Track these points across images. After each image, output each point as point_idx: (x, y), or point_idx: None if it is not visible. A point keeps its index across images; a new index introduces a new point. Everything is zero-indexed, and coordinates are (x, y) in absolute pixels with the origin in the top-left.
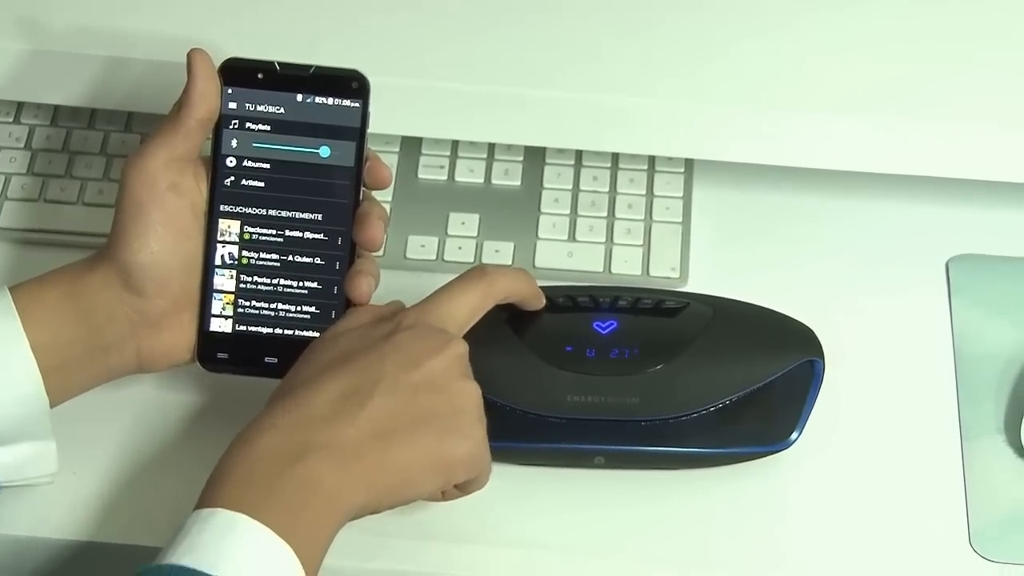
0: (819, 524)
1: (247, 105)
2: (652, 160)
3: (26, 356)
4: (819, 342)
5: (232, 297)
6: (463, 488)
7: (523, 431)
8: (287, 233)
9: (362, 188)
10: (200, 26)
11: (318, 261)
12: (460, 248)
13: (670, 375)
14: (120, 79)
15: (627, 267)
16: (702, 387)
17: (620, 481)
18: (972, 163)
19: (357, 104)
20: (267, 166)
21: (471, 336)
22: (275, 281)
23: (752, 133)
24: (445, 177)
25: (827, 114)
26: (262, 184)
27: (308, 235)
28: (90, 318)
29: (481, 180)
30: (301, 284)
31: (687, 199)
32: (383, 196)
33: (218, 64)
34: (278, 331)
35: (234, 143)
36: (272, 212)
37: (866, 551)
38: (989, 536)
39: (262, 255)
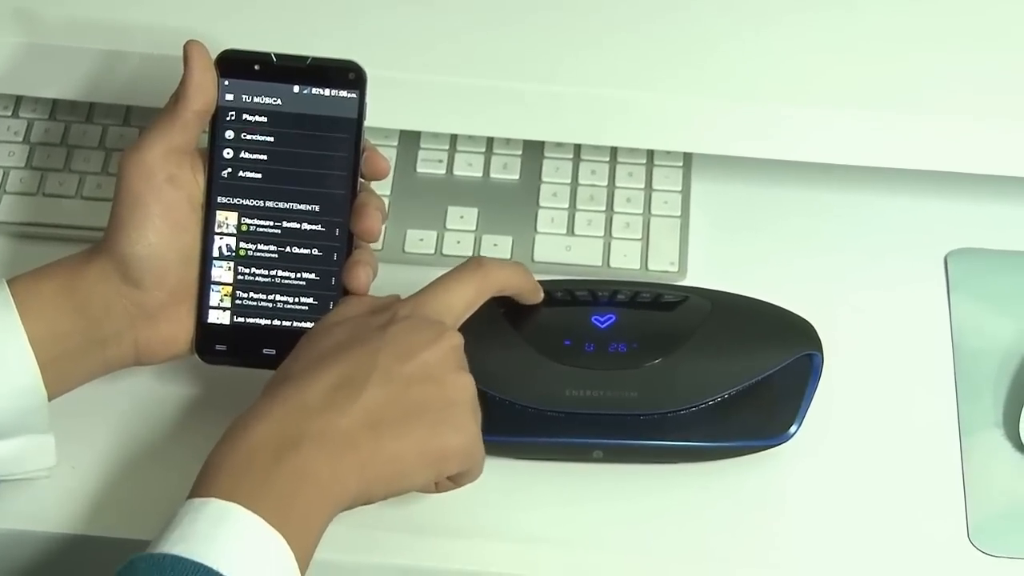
0: (818, 518)
1: (244, 97)
2: (651, 154)
3: (24, 349)
4: (818, 336)
5: (230, 289)
6: (456, 480)
7: (521, 425)
8: (284, 224)
9: (359, 179)
10: (197, 19)
11: (316, 252)
12: (459, 242)
13: (669, 369)
14: (118, 72)
15: (626, 261)
16: (701, 381)
17: (619, 475)
18: (971, 157)
19: (354, 95)
20: (264, 157)
21: (469, 330)
22: (273, 272)
23: (751, 127)
24: (444, 171)
25: (826, 108)
26: (259, 176)
27: (306, 226)
28: (88, 310)
29: (480, 174)
30: (299, 275)
31: (686, 193)
32: (382, 190)
33: (215, 56)
34: (276, 322)
35: (231, 135)
36: (269, 203)
37: (865, 545)
38: (988, 530)
39: (260, 246)
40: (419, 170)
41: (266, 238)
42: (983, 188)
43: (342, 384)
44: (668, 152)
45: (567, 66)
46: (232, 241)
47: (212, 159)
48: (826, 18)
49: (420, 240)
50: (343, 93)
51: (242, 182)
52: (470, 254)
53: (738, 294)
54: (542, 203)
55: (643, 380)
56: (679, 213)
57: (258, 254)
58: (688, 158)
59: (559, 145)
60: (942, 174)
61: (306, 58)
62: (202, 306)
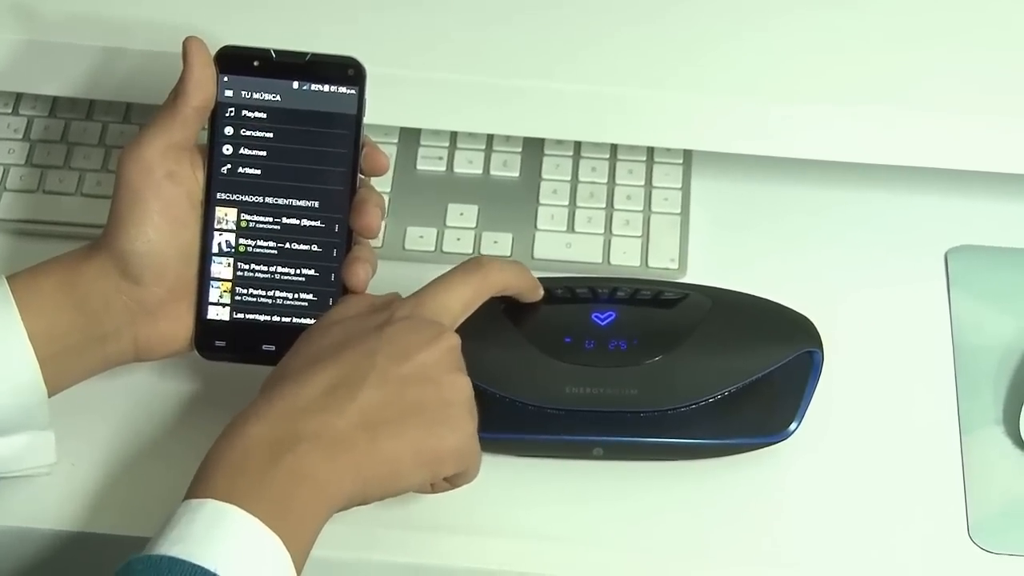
0: (818, 515)
1: (243, 93)
2: (651, 151)
3: (23, 345)
4: (818, 333)
5: (229, 285)
6: (452, 481)
7: (522, 422)
8: (284, 221)
9: (359, 175)
10: (196, 15)
11: (315, 248)
12: (459, 239)
13: (669, 366)
14: (117, 69)
15: (626, 258)
16: (701, 378)
17: (619, 472)
18: (971, 154)
19: (353, 91)
20: (263, 154)
21: (469, 328)
22: (272, 269)
23: (751, 124)
24: (444, 168)
25: (826, 106)
26: (259, 172)
27: (305, 222)
28: (87, 307)
29: (480, 171)
30: (298, 272)
31: (686, 190)
32: (382, 187)
33: (214, 52)
34: (275, 319)
35: (230, 131)
36: (269, 200)
37: (865, 542)
38: (988, 527)
39: (259, 243)
40: (419, 167)
41: (266, 234)
42: (983, 185)
43: (338, 385)
44: (668, 149)
45: (567, 63)
46: (232, 237)
47: (211, 155)
48: (826, 15)
49: (420, 237)
50: (342, 89)
51: (242, 178)
52: (470, 251)
53: (738, 291)
54: (542, 200)
55: (643, 377)
56: (679, 210)
57: (258, 250)
58: (688, 155)
59: (559, 142)
60: (942, 171)
61: (305, 54)
62: (201, 302)
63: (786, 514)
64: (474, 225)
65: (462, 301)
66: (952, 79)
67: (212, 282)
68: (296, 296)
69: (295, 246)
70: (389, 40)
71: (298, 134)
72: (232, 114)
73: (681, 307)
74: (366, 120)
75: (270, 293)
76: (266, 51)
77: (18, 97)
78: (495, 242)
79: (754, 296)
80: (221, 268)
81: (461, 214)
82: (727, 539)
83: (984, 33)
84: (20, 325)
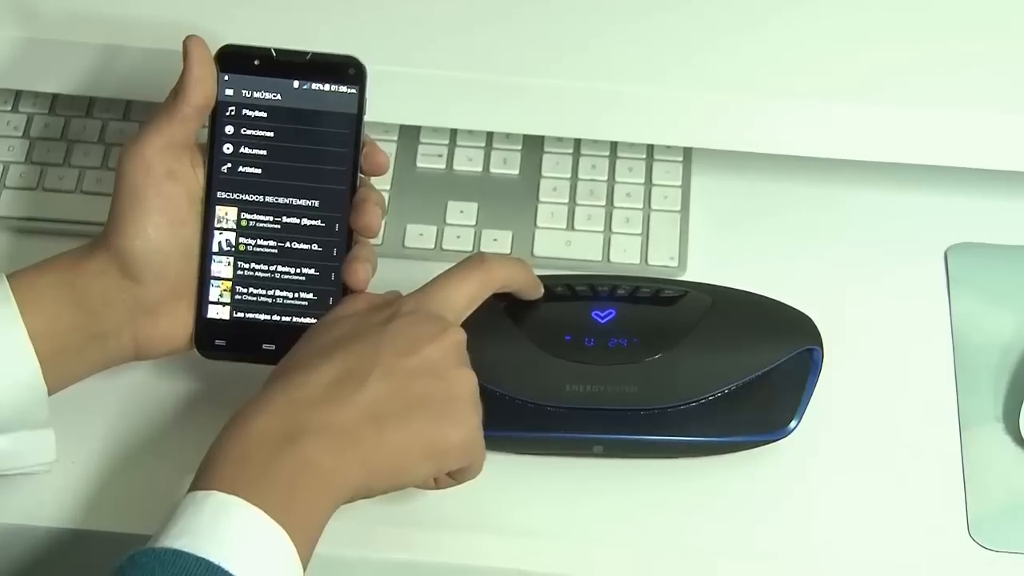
0: (818, 512)
1: (244, 92)
2: (650, 149)
3: (23, 343)
4: (818, 331)
5: (229, 284)
6: (456, 476)
7: (522, 420)
8: (284, 220)
9: (359, 174)
10: (197, 13)
11: (315, 248)
12: (459, 237)
13: (669, 364)
14: (118, 67)
15: (626, 256)
16: (701, 376)
17: (619, 470)
18: (971, 151)
19: (354, 90)
20: (264, 153)
21: (470, 325)
22: (272, 268)
23: (751, 121)
24: (443, 166)
25: (826, 102)
26: (259, 171)
27: (305, 222)
28: (87, 305)
29: (479, 169)
30: (298, 271)
31: (685, 188)
32: (382, 185)
33: (214, 51)
34: (275, 318)
35: (231, 130)
36: (269, 199)
37: (865, 540)
38: (988, 525)
39: (259, 242)
40: (419, 165)
41: (266, 233)
42: (983, 182)
43: (344, 377)
44: (668, 147)
45: (567, 61)
46: (232, 236)
47: (212, 154)
48: (826, 12)
49: (420, 235)
50: (343, 88)
51: (242, 177)
52: (470, 249)
53: (738, 289)
54: (542, 198)
55: (643, 375)
56: (679, 208)
57: (258, 249)
58: (688, 153)
59: (559, 140)
60: (942, 168)
61: (306, 53)
62: (201, 301)
63: (786, 511)
64: (474, 223)
65: (466, 296)
66: (953, 76)
67: (212, 281)
68: (296, 295)
69: (295, 245)
70: (389, 37)
71: (298, 133)
72: (232, 113)
73: (681, 305)
74: (366, 118)
75: (270, 292)
76: (266, 50)
77: (18, 94)
78: (495, 240)
79: (754, 294)
80: (221, 267)
81: (461, 212)
82: (728, 536)
83: (984, 30)
84: (20, 323)
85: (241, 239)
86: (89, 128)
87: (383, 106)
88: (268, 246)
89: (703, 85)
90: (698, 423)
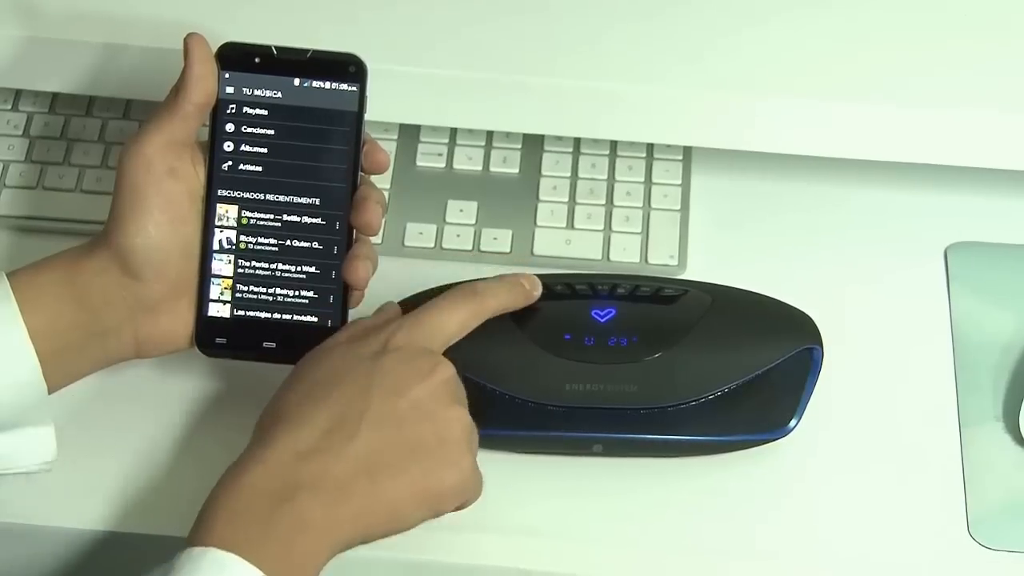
0: (818, 512)
1: (244, 90)
2: (650, 148)
3: (24, 341)
4: (818, 330)
5: (230, 282)
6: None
7: (521, 419)
8: (285, 218)
9: (360, 173)
10: (197, 11)
11: (316, 246)
12: (458, 236)
13: (668, 363)
14: (118, 66)
15: (625, 255)
16: (700, 375)
17: (619, 469)
18: (971, 150)
19: (355, 88)
20: (264, 151)
21: None
22: (273, 266)
23: (751, 121)
24: (443, 165)
25: (826, 102)
26: (259, 169)
27: (306, 220)
28: (88, 303)
29: (479, 168)
30: (299, 269)
31: (685, 187)
32: (381, 184)
33: (215, 49)
34: (276, 316)
35: (231, 128)
36: (270, 197)
37: (865, 539)
38: (988, 524)
39: (260, 240)
40: (419, 164)
41: (266, 231)
42: (983, 181)
43: (335, 426)
44: (668, 146)
45: (567, 59)
46: (232, 234)
47: (212, 152)
48: (826, 11)
49: (420, 234)
50: (344, 86)
51: (242, 175)
52: (470, 248)
53: (738, 288)
54: (542, 197)
55: (643, 374)
56: (679, 207)
57: (258, 247)
58: (688, 152)
59: (559, 139)
60: (942, 167)
61: (307, 51)
62: (202, 299)
63: (786, 510)
64: (474, 221)
65: (457, 326)
66: (953, 75)
67: (213, 279)
68: (297, 293)
69: (296, 243)
70: (388, 36)
71: (299, 131)
72: (233, 111)
73: (681, 304)
74: (366, 116)
75: (271, 290)
76: (267, 48)
77: (17, 93)
78: (495, 239)
79: (754, 293)
80: (222, 265)
81: (461, 210)
82: (727, 535)
83: (983, 28)
84: (20, 321)
85: (242, 237)
86: (89, 127)
87: (383, 105)
88: (269, 244)
89: (703, 84)
90: (698, 422)
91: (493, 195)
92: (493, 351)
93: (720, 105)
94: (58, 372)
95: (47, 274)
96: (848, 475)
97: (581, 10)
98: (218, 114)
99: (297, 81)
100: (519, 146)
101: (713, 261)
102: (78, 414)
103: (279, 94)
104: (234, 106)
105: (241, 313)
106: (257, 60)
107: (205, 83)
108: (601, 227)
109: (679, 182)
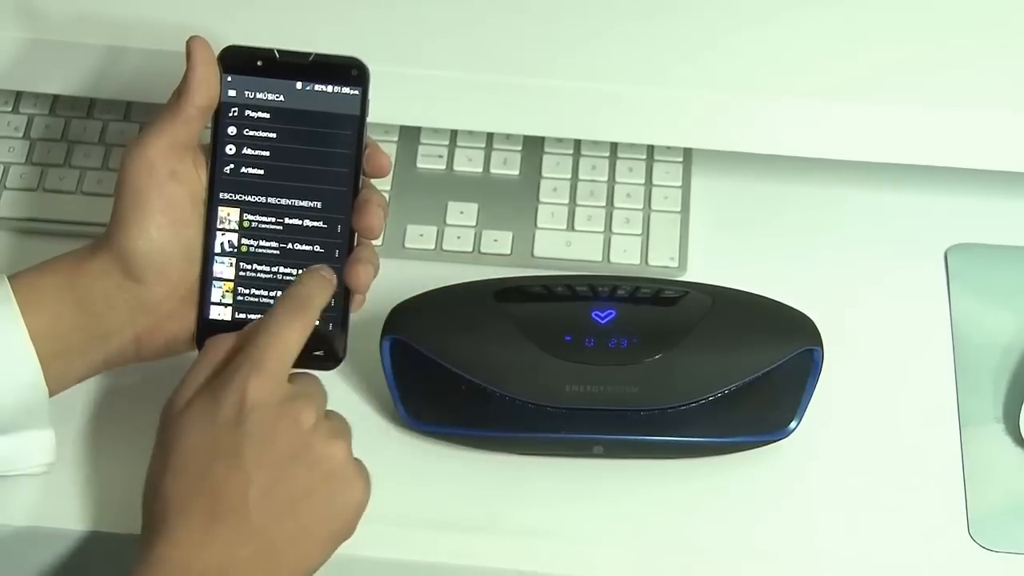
0: (818, 513)
1: (246, 93)
2: (651, 149)
3: (25, 344)
4: (818, 331)
5: (232, 285)
6: None
7: (522, 421)
8: (286, 221)
9: (361, 176)
10: (199, 14)
11: (317, 249)
12: (459, 237)
13: (669, 364)
14: (119, 68)
15: (626, 256)
16: (701, 376)
17: (620, 470)
18: (971, 151)
19: (357, 91)
20: (267, 154)
21: (470, 326)
22: (275, 269)
23: (751, 122)
24: (444, 166)
25: (826, 103)
26: (261, 172)
27: (308, 223)
28: (89, 306)
29: (480, 169)
30: (300, 272)
31: (686, 188)
32: (382, 186)
33: (217, 52)
34: None
35: (233, 131)
36: (271, 200)
37: (865, 540)
38: (988, 525)
39: (262, 243)
40: (419, 165)
41: (268, 234)
42: (983, 183)
43: (223, 514)
44: (668, 147)
45: (568, 61)
46: (234, 237)
47: (214, 155)
48: (827, 11)
49: (420, 236)
50: (346, 90)
51: (244, 178)
52: (470, 250)
53: (738, 289)
54: (542, 198)
55: (643, 375)
56: (679, 208)
57: (260, 250)
58: (688, 153)
59: (559, 140)
60: (942, 169)
61: (309, 54)
62: (204, 302)
63: (786, 512)
64: (474, 223)
65: (297, 345)
66: (953, 76)
67: (214, 282)
68: None
69: (297, 246)
70: (389, 38)
71: (301, 134)
72: (235, 114)
73: (681, 305)
74: (368, 119)
75: (272, 293)
76: (270, 51)
77: (18, 95)
78: (495, 240)
79: (754, 294)
80: (223, 268)
81: (461, 212)
82: (727, 537)
83: (985, 29)
84: (21, 324)
85: (243, 240)
86: (90, 129)
87: (383, 106)
88: (270, 247)
89: (703, 86)
90: (698, 424)
91: (493, 197)
92: (493, 352)
93: (720, 107)
94: (59, 374)
95: (48, 276)
96: (848, 476)
97: (581, 11)
98: (220, 117)
99: (299, 84)
100: (519, 148)
101: (713, 263)
102: (79, 416)
103: (281, 97)
104: (236, 109)
105: (242, 316)
106: (259, 63)
107: (207, 86)
108: (601, 229)
109: (679, 184)
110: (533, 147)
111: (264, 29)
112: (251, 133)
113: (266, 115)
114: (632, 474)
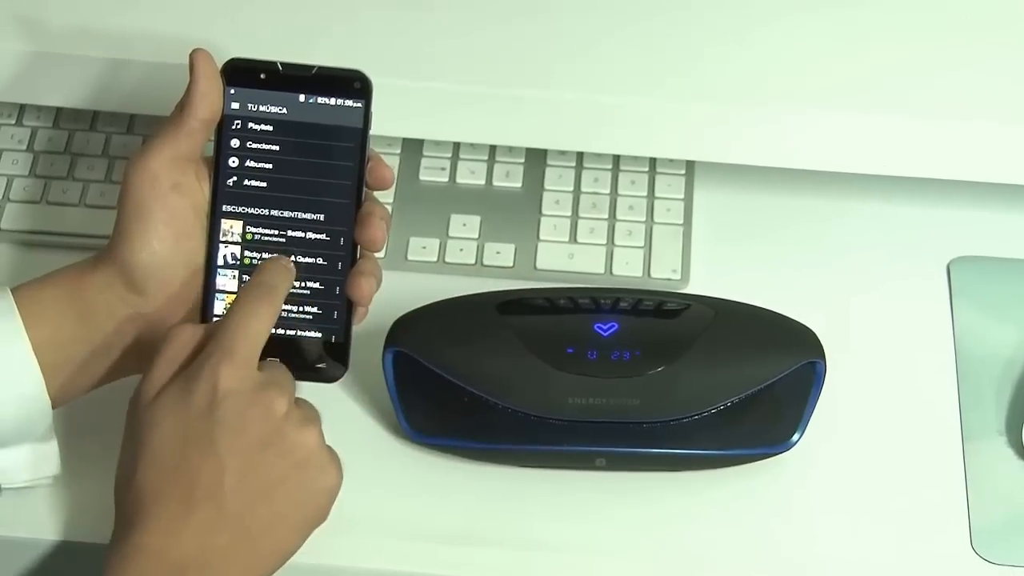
0: (821, 526)
1: (249, 105)
2: (653, 162)
3: (27, 356)
4: (820, 343)
5: (234, 297)
6: None
7: (524, 433)
8: (289, 233)
9: (364, 188)
10: (202, 27)
11: (320, 262)
12: (461, 250)
13: (671, 377)
14: (122, 81)
15: (628, 269)
16: (703, 389)
17: (622, 483)
18: (974, 164)
19: (359, 104)
20: (269, 166)
21: (472, 338)
22: None
23: (753, 135)
24: (446, 179)
25: (829, 115)
26: (264, 184)
27: (310, 235)
28: (92, 318)
29: (482, 182)
30: (303, 284)
31: (688, 201)
32: (384, 198)
33: (220, 64)
34: (280, 331)
35: (236, 143)
36: (274, 212)
37: (868, 553)
38: (991, 538)
39: (264, 255)
40: (422, 178)
41: (271, 247)
42: (986, 196)
43: (199, 502)
44: (671, 160)
45: (570, 73)
46: (237, 250)
47: (217, 167)
48: (829, 24)
49: (423, 248)
50: (349, 102)
51: (247, 191)
52: (472, 262)
53: (741, 302)
54: (545, 211)
55: (645, 388)
56: (682, 221)
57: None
58: (691, 166)
59: (562, 153)
60: (945, 182)
61: (312, 67)
62: (206, 314)
63: (789, 525)
64: (476, 236)
65: (266, 330)
66: (955, 87)
67: (217, 294)
68: (301, 309)
69: (300, 259)
70: (392, 50)
71: (304, 147)
72: (238, 126)
73: (683, 318)
74: (371, 132)
75: None
76: (273, 64)
77: (22, 108)
78: (497, 253)
79: (756, 307)
80: (226, 280)
81: (464, 225)
82: (729, 549)
83: (986, 40)
84: (24, 336)
85: (246, 252)
86: (93, 141)
87: (386, 119)
88: None
89: (706, 98)
90: (700, 436)
91: (496, 209)
92: (496, 365)
93: (723, 119)
94: (62, 387)
95: (51, 289)
96: (851, 489)
97: (584, 24)
98: (223, 130)
99: (302, 97)
100: (522, 160)
101: (716, 275)
102: (83, 429)
103: (284, 110)
104: (239, 122)
105: None
106: (262, 76)
107: (210, 99)
108: (604, 241)
109: (682, 196)
110: (535, 159)
111: (267, 42)
112: (254, 146)
113: (269, 128)
114: (634, 487)
